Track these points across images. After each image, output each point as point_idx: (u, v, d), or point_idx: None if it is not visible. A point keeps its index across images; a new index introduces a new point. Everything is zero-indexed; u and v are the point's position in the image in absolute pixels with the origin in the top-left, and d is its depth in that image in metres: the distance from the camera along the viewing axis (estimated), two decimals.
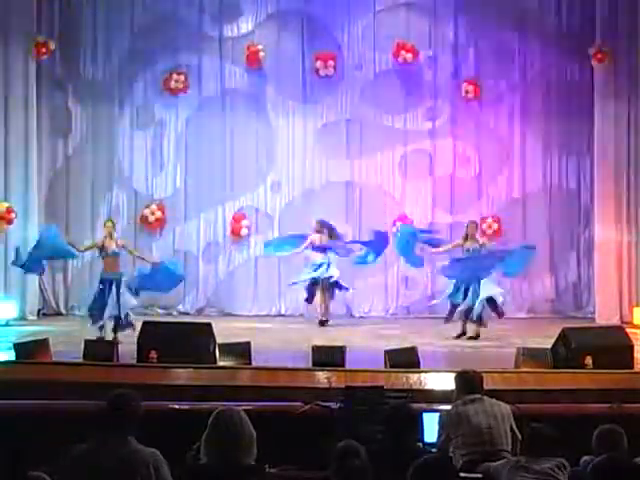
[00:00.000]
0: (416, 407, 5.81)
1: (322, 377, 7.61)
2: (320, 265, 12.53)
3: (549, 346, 8.37)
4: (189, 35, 14.17)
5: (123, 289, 10.83)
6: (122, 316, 10.64)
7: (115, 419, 4.03)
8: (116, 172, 14.23)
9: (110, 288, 10.79)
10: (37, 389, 7.21)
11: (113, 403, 4.11)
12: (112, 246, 11.00)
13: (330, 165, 14.28)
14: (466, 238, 11.57)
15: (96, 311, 10.73)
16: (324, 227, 12.70)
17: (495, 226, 13.90)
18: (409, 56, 13.88)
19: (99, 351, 8.35)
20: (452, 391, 5.89)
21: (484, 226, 13.83)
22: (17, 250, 11.07)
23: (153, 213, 14.03)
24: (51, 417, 6.51)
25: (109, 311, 10.62)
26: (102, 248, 11.04)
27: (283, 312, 14.01)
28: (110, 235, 11.05)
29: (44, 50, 13.35)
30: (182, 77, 14.00)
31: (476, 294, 11.18)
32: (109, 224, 11.23)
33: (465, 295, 11.25)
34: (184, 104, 14.23)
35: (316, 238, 12.64)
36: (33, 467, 3.90)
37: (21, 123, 13.29)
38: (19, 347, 8.46)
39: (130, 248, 11.55)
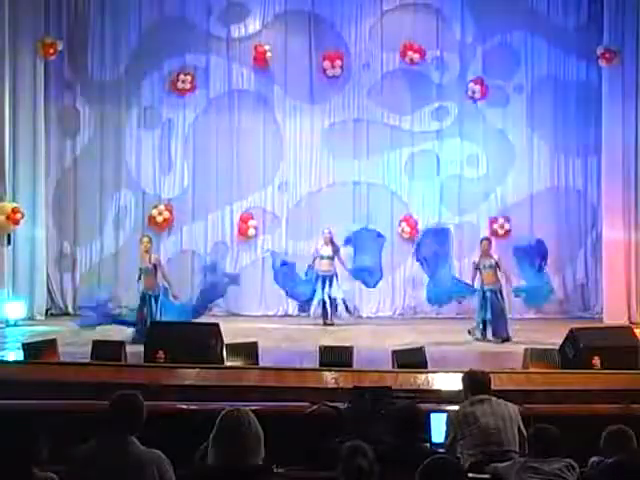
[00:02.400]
0: (424, 407, 5.80)
1: (330, 377, 7.61)
2: (324, 280, 12.63)
3: (557, 347, 8.36)
4: (196, 35, 14.19)
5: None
6: None
7: (118, 420, 4.04)
8: (124, 172, 14.26)
9: (149, 304, 10.86)
10: (45, 389, 7.22)
11: (116, 404, 4.12)
12: (145, 262, 11.05)
13: (337, 165, 14.29)
14: (481, 256, 11.55)
15: (138, 333, 10.48)
16: (332, 242, 12.81)
17: (507, 226, 13.90)
18: (416, 56, 13.89)
19: (107, 351, 8.36)
20: (460, 391, 5.88)
21: (495, 226, 13.86)
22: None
23: (161, 213, 14.06)
24: (59, 417, 6.51)
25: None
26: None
27: (290, 312, 13.99)
28: (146, 251, 11.11)
29: (52, 51, 13.40)
30: (189, 77, 14.04)
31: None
32: (145, 240, 11.27)
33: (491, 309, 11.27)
34: (191, 104, 14.25)
35: (326, 250, 12.77)
36: (40, 466, 3.91)
37: (29, 123, 13.33)
38: (27, 347, 8.50)
39: (163, 270, 11.26)
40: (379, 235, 12.90)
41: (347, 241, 12.85)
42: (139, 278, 11.15)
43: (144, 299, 10.96)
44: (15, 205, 12.87)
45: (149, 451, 3.97)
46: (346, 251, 12.95)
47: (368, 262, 12.69)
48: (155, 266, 11.12)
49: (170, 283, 11.24)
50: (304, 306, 12.96)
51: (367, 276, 12.85)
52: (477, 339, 11.21)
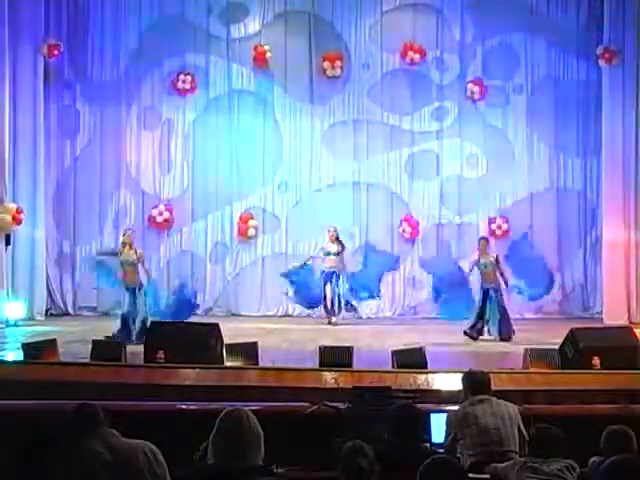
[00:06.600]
0: (424, 407, 5.80)
1: (329, 377, 7.60)
2: (331, 276, 12.63)
3: (557, 347, 8.36)
4: (196, 36, 14.21)
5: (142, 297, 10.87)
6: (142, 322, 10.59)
7: (90, 417, 4.05)
8: (124, 173, 14.27)
9: (137, 297, 10.83)
10: (45, 389, 7.22)
11: (79, 407, 4.15)
12: (130, 256, 10.91)
13: (337, 165, 14.30)
14: (480, 255, 11.53)
15: (125, 330, 10.63)
16: (338, 239, 12.79)
17: (505, 226, 13.90)
18: (416, 57, 13.92)
19: (107, 351, 8.36)
20: (460, 391, 5.88)
21: (493, 226, 13.86)
22: None
23: (161, 214, 14.07)
24: (58, 417, 6.51)
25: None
26: (120, 256, 10.96)
27: (290, 312, 14.01)
28: (130, 245, 10.99)
29: (56, 52, 13.48)
30: (189, 78, 14.06)
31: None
32: (129, 233, 11.22)
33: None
34: (191, 105, 14.27)
35: (332, 247, 12.73)
36: (40, 467, 3.91)
37: (29, 124, 13.33)
38: (27, 347, 8.50)
39: (146, 266, 11.23)
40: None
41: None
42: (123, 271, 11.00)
43: (132, 293, 10.87)
44: (18, 206, 12.88)
45: (133, 441, 3.96)
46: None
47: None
48: (139, 259, 11.00)
49: (150, 276, 11.27)
50: (312, 305, 12.96)
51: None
52: (472, 338, 11.16)
